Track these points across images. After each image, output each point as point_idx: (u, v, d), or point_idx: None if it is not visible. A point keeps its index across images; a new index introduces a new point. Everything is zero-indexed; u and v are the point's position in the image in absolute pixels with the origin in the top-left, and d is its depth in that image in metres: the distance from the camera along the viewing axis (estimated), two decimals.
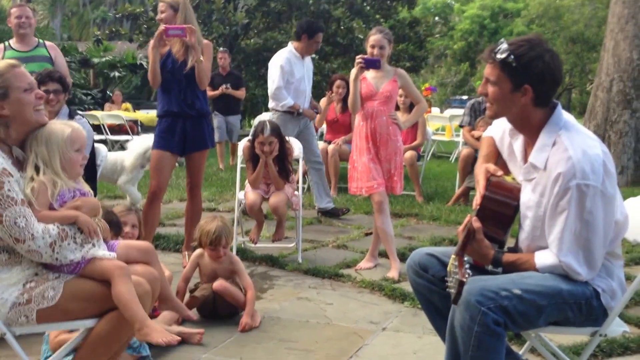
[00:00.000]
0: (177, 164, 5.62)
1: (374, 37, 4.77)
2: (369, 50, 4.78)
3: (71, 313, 2.56)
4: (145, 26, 17.38)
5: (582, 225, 2.34)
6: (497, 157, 2.72)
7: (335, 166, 7.94)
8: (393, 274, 4.72)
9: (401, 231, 6.21)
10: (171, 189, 8.12)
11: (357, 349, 3.50)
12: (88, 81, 20.94)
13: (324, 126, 8.53)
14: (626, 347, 3.41)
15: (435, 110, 17.54)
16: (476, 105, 7.60)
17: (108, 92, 18.92)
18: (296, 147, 5.54)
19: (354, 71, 4.75)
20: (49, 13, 35.13)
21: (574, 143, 2.37)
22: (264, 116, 9.74)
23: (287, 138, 5.27)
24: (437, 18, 41.49)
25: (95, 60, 20.72)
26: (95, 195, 3.00)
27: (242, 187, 5.37)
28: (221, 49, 11.16)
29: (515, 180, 2.59)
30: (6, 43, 5.60)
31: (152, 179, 4.93)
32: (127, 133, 12.64)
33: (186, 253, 5.02)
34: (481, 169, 2.63)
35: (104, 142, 11.03)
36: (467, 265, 2.30)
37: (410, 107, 6.87)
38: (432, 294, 2.70)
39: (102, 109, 15.33)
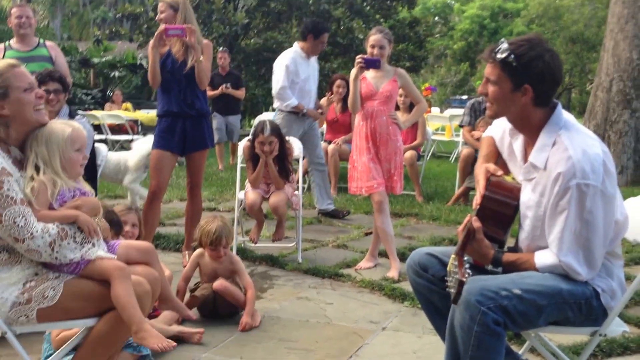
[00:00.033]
0: (177, 164, 5.61)
1: (374, 37, 4.77)
2: (369, 50, 4.78)
3: (71, 312, 2.56)
4: (145, 26, 17.39)
5: (582, 225, 2.34)
6: (497, 157, 2.73)
7: (335, 166, 7.95)
8: (393, 273, 4.73)
9: (401, 231, 6.21)
10: (171, 188, 8.13)
11: (357, 348, 3.51)
12: (88, 81, 20.98)
13: (324, 126, 8.53)
14: (626, 347, 3.41)
15: (435, 110, 17.52)
16: (476, 105, 7.60)
17: (108, 92, 18.94)
18: (296, 147, 5.54)
19: (354, 71, 4.75)
20: (49, 13, 35.12)
21: (574, 143, 2.37)
22: (265, 116, 9.75)
23: (287, 138, 5.28)
24: (437, 18, 41.51)
25: (96, 60, 20.74)
26: (96, 195, 3.00)
27: (242, 187, 5.37)
28: (221, 48, 11.15)
29: (515, 180, 2.59)
30: (6, 43, 5.60)
31: (152, 179, 4.93)
32: (127, 133, 12.66)
33: (186, 253, 5.02)
34: (481, 169, 2.63)
35: (104, 141, 11.03)
36: (467, 265, 2.30)
37: (410, 107, 6.87)
38: (432, 294, 2.70)
39: (103, 109, 15.34)
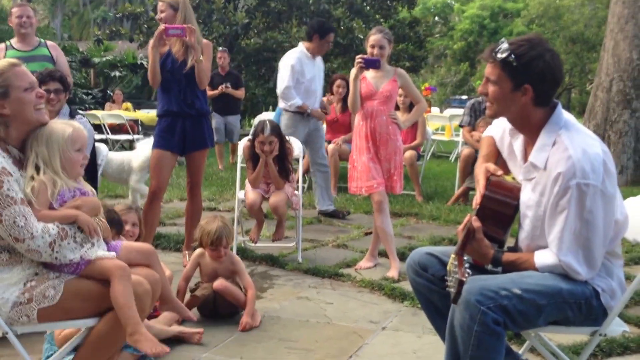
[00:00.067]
0: (177, 164, 5.62)
1: (373, 37, 4.77)
2: (368, 50, 4.78)
3: (72, 312, 2.56)
4: (145, 26, 17.39)
5: (582, 225, 2.34)
6: (497, 157, 2.73)
7: (335, 166, 7.95)
8: (393, 273, 4.73)
9: (401, 230, 6.21)
10: (171, 188, 8.13)
11: (357, 348, 3.51)
12: (89, 81, 20.96)
13: (324, 126, 8.52)
14: (626, 347, 3.41)
15: (435, 110, 17.52)
16: (476, 105, 7.60)
17: (109, 92, 18.93)
18: (296, 147, 5.54)
19: (353, 71, 4.75)
20: (49, 13, 35.15)
21: (574, 142, 2.37)
22: (265, 116, 9.75)
23: (287, 138, 5.28)
24: (437, 18, 41.56)
25: (96, 59, 20.74)
26: (96, 195, 3.00)
27: (242, 187, 5.38)
28: (220, 48, 11.15)
29: (515, 180, 2.60)
30: (7, 43, 5.61)
31: (152, 179, 4.93)
32: (127, 132, 12.66)
33: (186, 252, 5.03)
34: (481, 169, 2.63)
35: (104, 141, 11.04)
36: (466, 265, 2.30)
37: (410, 107, 6.87)
38: (431, 294, 2.70)
39: (103, 109, 15.34)
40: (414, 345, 3.54)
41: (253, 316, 3.81)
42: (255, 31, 17.38)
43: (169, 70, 4.76)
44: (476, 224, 2.45)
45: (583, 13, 33.95)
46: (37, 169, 2.58)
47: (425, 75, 36.83)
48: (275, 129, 4.97)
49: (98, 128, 11.83)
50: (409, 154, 7.59)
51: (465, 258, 2.34)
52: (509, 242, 2.62)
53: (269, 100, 17.50)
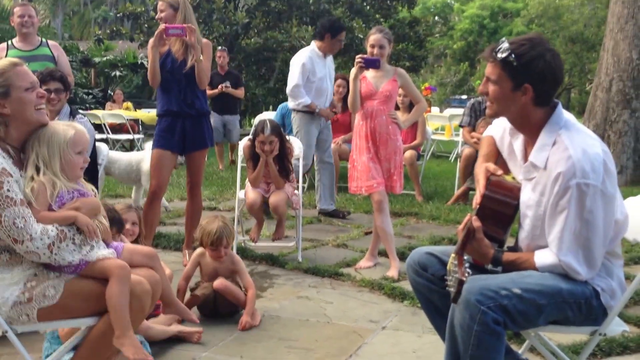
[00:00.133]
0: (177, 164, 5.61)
1: (373, 37, 4.78)
2: (368, 49, 4.78)
3: (72, 311, 2.57)
4: (146, 25, 17.41)
5: (582, 225, 2.34)
6: (497, 157, 2.73)
7: (335, 165, 7.94)
8: (393, 273, 4.73)
9: (401, 230, 6.22)
10: (172, 187, 8.14)
11: (356, 347, 3.51)
12: (89, 80, 20.97)
13: None
14: (625, 347, 3.42)
15: (434, 110, 17.51)
16: (476, 105, 7.60)
17: (109, 91, 18.95)
18: (296, 147, 5.55)
19: (353, 70, 4.76)
20: (50, 12, 35.15)
21: (574, 142, 2.37)
22: (265, 115, 9.76)
23: (287, 137, 5.28)
24: (436, 18, 41.54)
25: (97, 59, 20.74)
26: (98, 194, 3.01)
27: (242, 186, 5.38)
28: (220, 47, 11.15)
29: (515, 180, 2.60)
30: (9, 42, 5.61)
31: (152, 178, 4.94)
32: (128, 132, 12.66)
33: (187, 252, 5.03)
34: (481, 168, 2.63)
35: (105, 141, 11.04)
36: (466, 264, 2.30)
37: (409, 107, 6.87)
38: (431, 293, 2.70)
39: (103, 108, 15.35)
40: (413, 345, 3.54)
41: (253, 315, 3.82)
42: (256, 31, 17.39)
43: (168, 70, 4.77)
44: (476, 223, 2.45)
45: (583, 13, 33.92)
46: (37, 169, 2.58)
47: (425, 75, 36.81)
48: (276, 128, 4.97)
49: (98, 128, 11.83)
50: (409, 153, 7.59)
51: (465, 258, 2.34)
52: (509, 241, 2.62)
53: (269, 100, 17.50)
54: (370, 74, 4.84)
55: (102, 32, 23.84)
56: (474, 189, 4.69)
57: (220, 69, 10.60)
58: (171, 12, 4.73)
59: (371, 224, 5.31)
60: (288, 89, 6.70)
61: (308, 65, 6.55)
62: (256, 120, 10.43)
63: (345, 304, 4.20)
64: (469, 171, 7.36)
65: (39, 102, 2.64)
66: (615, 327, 2.53)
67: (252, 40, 16.94)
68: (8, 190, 2.45)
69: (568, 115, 2.51)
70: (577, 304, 2.40)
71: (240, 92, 10.75)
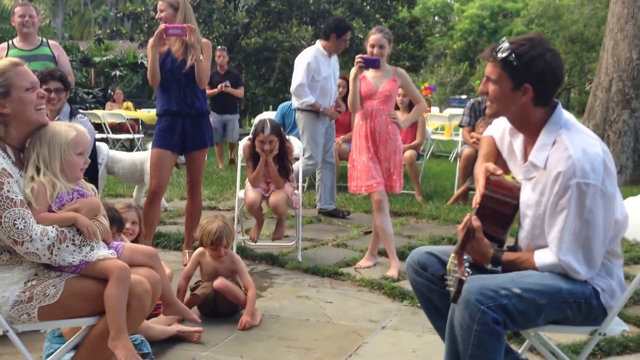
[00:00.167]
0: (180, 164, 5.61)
1: (373, 37, 4.78)
2: (368, 49, 4.79)
3: (72, 310, 2.57)
4: (146, 25, 17.42)
5: (582, 224, 2.34)
6: (497, 156, 2.73)
7: (335, 165, 7.94)
8: (392, 272, 4.73)
9: (400, 230, 6.22)
10: (172, 187, 8.14)
11: (356, 347, 3.51)
12: (89, 80, 21.00)
13: None
14: (625, 346, 3.42)
15: (434, 110, 17.53)
16: (476, 105, 7.60)
17: (109, 91, 18.96)
18: (296, 146, 5.55)
19: (353, 70, 4.76)
20: (50, 12, 35.15)
21: (574, 142, 2.37)
22: (265, 115, 9.75)
23: (287, 137, 5.28)
24: (436, 18, 41.53)
25: (97, 59, 20.77)
26: (98, 193, 3.01)
27: (242, 186, 5.38)
28: (219, 47, 11.16)
29: (515, 179, 2.60)
30: (10, 42, 5.62)
31: (152, 178, 4.94)
32: (128, 132, 12.66)
33: (187, 251, 5.03)
34: (481, 168, 2.64)
35: (105, 140, 11.04)
36: (466, 264, 2.30)
37: (409, 107, 6.87)
38: (431, 293, 2.70)
39: (104, 108, 15.36)
40: (413, 345, 3.54)
41: (253, 315, 3.82)
42: (256, 31, 17.40)
43: (168, 70, 4.77)
44: (476, 223, 2.45)
45: (582, 13, 33.92)
46: (38, 170, 2.58)
47: (425, 75, 36.82)
48: (276, 128, 4.97)
49: (99, 127, 11.83)
50: (409, 153, 7.59)
51: (465, 257, 2.34)
52: (509, 241, 2.63)
53: (269, 99, 17.50)
54: (370, 73, 4.84)
55: (102, 32, 23.84)
56: (473, 189, 4.71)
57: (220, 69, 10.60)
58: (171, 12, 4.73)
59: (371, 224, 5.31)
60: (292, 88, 6.70)
61: (313, 65, 6.54)
62: (256, 120, 10.43)
63: (345, 304, 4.20)
64: (468, 171, 7.36)
65: (39, 102, 2.64)
66: (615, 326, 2.53)
67: (252, 40, 16.95)
68: (8, 191, 2.45)
69: (568, 115, 2.52)
70: (577, 304, 2.40)
71: (239, 92, 10.75)
